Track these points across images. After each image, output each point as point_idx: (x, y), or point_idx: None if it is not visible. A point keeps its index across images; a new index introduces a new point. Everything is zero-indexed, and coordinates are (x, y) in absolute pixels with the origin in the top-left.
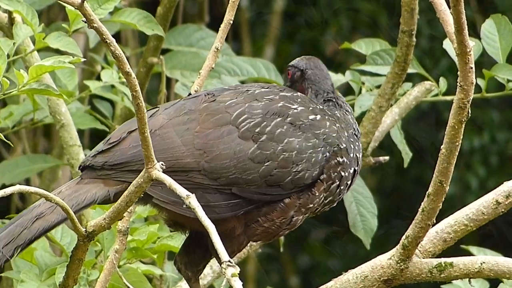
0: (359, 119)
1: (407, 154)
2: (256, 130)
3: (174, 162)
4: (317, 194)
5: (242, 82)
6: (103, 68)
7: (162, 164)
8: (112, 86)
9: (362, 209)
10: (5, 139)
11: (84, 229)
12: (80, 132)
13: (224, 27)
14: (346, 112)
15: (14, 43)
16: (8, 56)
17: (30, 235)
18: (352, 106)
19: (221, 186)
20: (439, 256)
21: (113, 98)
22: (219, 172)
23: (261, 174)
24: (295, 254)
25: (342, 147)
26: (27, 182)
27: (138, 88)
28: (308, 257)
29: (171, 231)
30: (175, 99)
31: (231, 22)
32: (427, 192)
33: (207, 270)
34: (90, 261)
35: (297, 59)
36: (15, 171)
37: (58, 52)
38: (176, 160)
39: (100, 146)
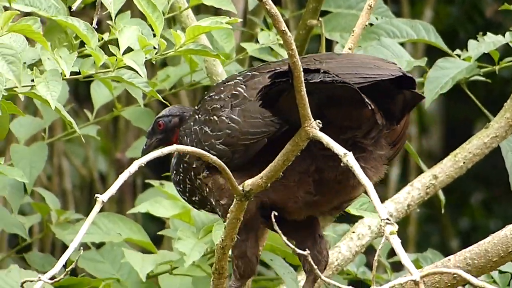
0: None
1: None
2: None
3: None
4: None
5: (401, 44)
6: (262, 30)
7: (318, 122)
8: (271, 49)
9: None
10: (162, 100)
11: (241, 188)
12: None
13: None
14: None
15: (168, 1)
16: (163, 13)
17: None
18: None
19: None
20: None
21: (271, 60)
22: None
23: None
24: (455, 217)
25: None
26: None
27: (293, 46)
28: (468, 219)
29: None
30: None
31: None
32: None
33: (365, 231)
34: None
35: (165, 110)
36: None
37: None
38: None
39: None
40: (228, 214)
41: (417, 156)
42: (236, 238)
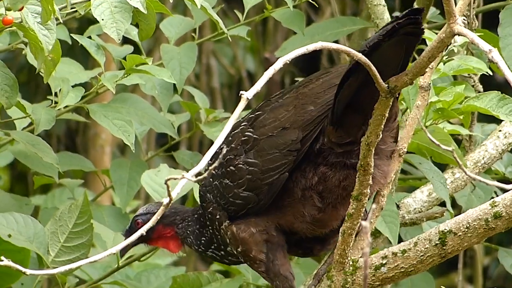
0: None
1: None
2: None
3: None
4: None
5: None
6: None
7: (463, 19)
8: None
9: None
10: (313, 2)
11: (386, 85)
12: None
13: None
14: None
15: None
16: None
17: None
18: None
19: None
20: None
21: None
22: None
23: None
24: None
25: None
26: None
27: None
28: None
29: None
30: None
31: None
32: None
33: None
34: None
35: (142, 208)
36: (324, 33)
37: None
38: None
39: None
40: (373, 111)
41: None
42: (269, 257)
